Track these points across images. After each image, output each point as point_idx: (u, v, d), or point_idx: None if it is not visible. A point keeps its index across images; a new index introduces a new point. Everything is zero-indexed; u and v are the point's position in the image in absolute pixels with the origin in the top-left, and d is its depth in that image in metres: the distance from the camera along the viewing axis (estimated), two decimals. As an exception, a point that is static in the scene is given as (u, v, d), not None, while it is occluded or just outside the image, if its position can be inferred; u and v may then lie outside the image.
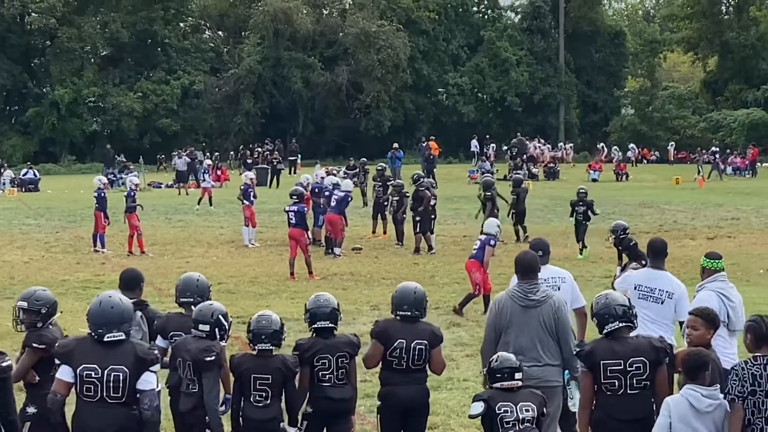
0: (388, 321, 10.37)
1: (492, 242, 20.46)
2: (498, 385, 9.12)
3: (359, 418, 12.31)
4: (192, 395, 9.56)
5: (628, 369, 9.09)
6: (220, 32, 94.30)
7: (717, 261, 11.14)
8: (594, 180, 61.67)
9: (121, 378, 8.22)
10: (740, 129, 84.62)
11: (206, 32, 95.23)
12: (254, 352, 9.64)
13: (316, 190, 30.47)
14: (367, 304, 20.71)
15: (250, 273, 25.61)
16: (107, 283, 23.79)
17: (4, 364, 8.68)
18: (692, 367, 8.78)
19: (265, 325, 9.63)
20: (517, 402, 9.01)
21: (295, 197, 25.85)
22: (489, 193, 30.58)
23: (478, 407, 9.03)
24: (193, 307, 10.18)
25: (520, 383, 9.16)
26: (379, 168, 36.20)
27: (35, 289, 10.00)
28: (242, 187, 32.17)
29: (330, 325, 10.03)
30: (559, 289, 11.42)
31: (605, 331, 9.34)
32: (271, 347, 9.61)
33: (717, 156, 67.62)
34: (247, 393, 9.52)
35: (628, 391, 9.10)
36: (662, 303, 11.29)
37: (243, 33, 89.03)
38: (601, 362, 9.17)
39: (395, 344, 10.07)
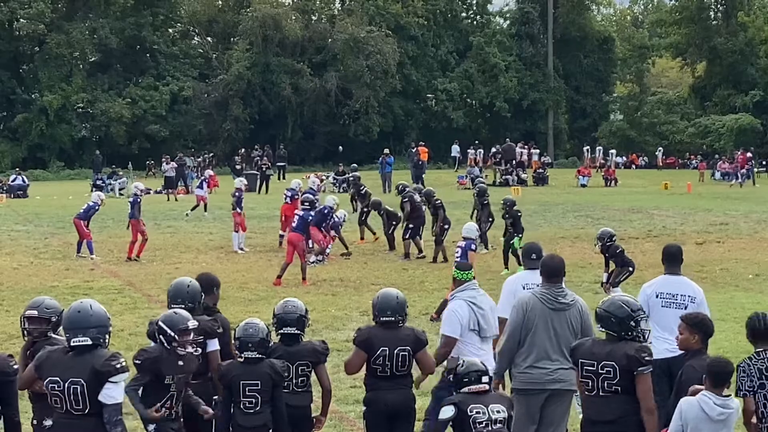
0: (371, 328, 10.35)
1: (473, 246, 20.55)
2: (466, 389, 9.27)
3: (349, 424, 12.31)
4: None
5: (600, 371, 9.21)
6: (209, 38, 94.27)
7: (467, 272, 11.31)
8: (583, 185, 61.77)
9: (79, 391, 8.16)
10: (729, 134, 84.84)
11: (195, 38, 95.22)
12: (241, 360, 9.63)
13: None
14: (356, 309, 20.70)
15: (240, 279, 25.56)
16: (96, 289, 23.79)
17: (15, 366, 8.73)
18: (715, 374, 8.85)
19: (251, 333, 9.62)
20: (487, 404, 9.18)
21: (306, 204, 26.10)
22: (485, 200, 30.51)
23: (449, 411, 9.17)
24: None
25: (487, 386, 9.33)
26: (352, 177, 36.45)
27: (43, 297, 9.96)
28: (236, 194, 31.99)
29: (296, 331, 10.03)
30: None
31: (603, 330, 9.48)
32: (258, 356, 9.59)
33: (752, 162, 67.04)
34: (236, 400, 9.49)
35: (600, 393, 9.23)
36: (686, 308, 11.25)
37: (232, 39, 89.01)
38: (580, 360, 9.39)
39: (378, 352, 10.07)
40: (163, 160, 68.70)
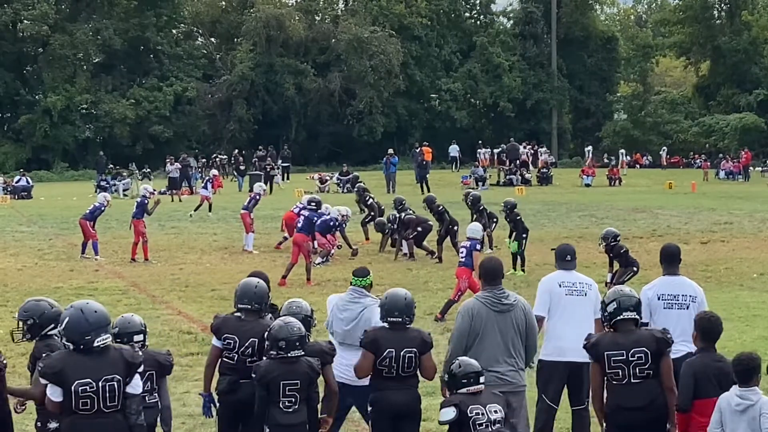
0: (378, 330, 10.31)
1: (478, 247, 20.51)
2: (464, 390, 9.31)
3: (353, 424, 12.29)
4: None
5: (631, 359, 9.48)
6: (212, 39, 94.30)
7: (363, 279, 11.29)
8: (587, 185, 61.74)
9: (116, 387, 8.16)
10: (733, 133, 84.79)
11: (199, 39, 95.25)
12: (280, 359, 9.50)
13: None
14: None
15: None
16: (100, 290, 23.79)
17: (4, 361, 8.77)
18: (740, 371, 9.01)
19: (297, 331, 9.51)
20: (485, 404, 9.25)
21: (313, 204, 26.34)
22: (480, 207, 30.40)
23: (450, 413, 9.21)
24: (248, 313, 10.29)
25: (483, 386, 9.40)
26: (357, 189, 36.68)
27: (29, 299, 9.88)
28: (256, 197, 32.20)
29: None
30: (585, 295, 11.46)
31: (614, 321, 9.70)
32: (302, 353, 9.52)
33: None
34: (275, 399, 9.43)
35: (632, 381, 9.49)
36: (687, 308, 11.25)
37: (235, 39, 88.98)
38: (605, 353, 9.57)
39: (385, 353, 10.06)
40: (167, 160, 68.78)
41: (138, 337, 9.49)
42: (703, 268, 26.53)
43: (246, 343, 10.09)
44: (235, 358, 10.09)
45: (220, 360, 10.32)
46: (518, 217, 27.21)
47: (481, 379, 9.39)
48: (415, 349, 10.10)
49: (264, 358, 9.69)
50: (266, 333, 9.65)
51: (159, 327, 19.02)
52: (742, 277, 25.53)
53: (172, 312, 20.89)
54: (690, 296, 11.37)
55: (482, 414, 9.17)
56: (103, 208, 30.67)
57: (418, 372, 10.29)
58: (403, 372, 10.07)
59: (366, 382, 10.77)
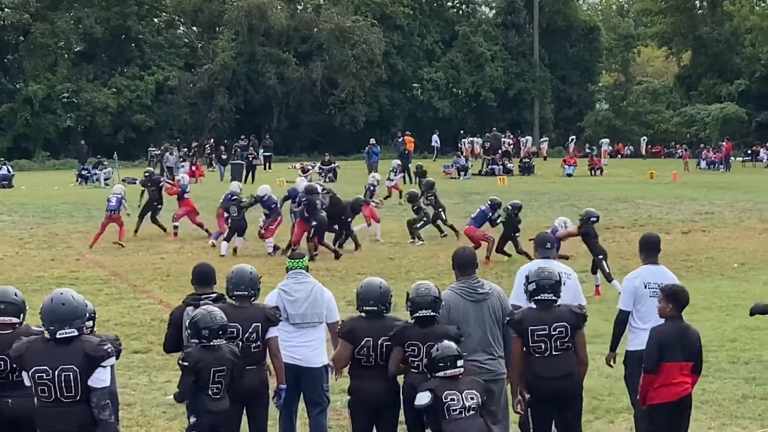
0: (354, 320, 10.35)
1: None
2: (441, 374, 9.45)
3: (335, 413, 12.30)
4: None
5: (552, 333, 10.06)
6: (194, 27, 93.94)
7: (300, 260, 11.49)
8: (569, 175, 61.76)
9: (72, 378, 8.14)
10: (714, 123, 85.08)
11: (180, 28, 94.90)
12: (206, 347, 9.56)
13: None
14: (343, 299, 20.64)
15: (225, 269, 25.46)
16: (81, 279, 23.76)
17: None
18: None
19: (219, 320, 9.59)
20: (461, 390, 9.39)
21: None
22: (430, 194, 30.75)
23: (425, 397, 9.37)
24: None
25: (462, 370, 9.54)
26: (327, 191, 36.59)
27: None
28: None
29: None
30: (564, 284, 11.48)
31: (537, 299, 10.21)
32: (224, 341, 9.64)
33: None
34: (204, 387, 9.47)
35: (553, 353, 10.06)
36: None
37: (217, 28, 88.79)
38: (529, 328, 10.05)
39: (362, 343, 10.07)
40: (151, 149, 68.80)
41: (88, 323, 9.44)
42: (684, 258, 26.64)
43: (250, 329, 10.21)
44: (240, 346, 10.10)
45: None
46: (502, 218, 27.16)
47: (459, 363, 9.49)
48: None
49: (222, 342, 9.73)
50: (189, 321, 9.81)
51: (140, 316, 19.01)
52: (723, 267, 25.64)
53: (154, 301, 20.88)
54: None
55: (457, 400, 9.30)
56: (123, 197, 31.07)
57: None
58: (381, 361, 10.06)
59: (319, 364, 11.06)
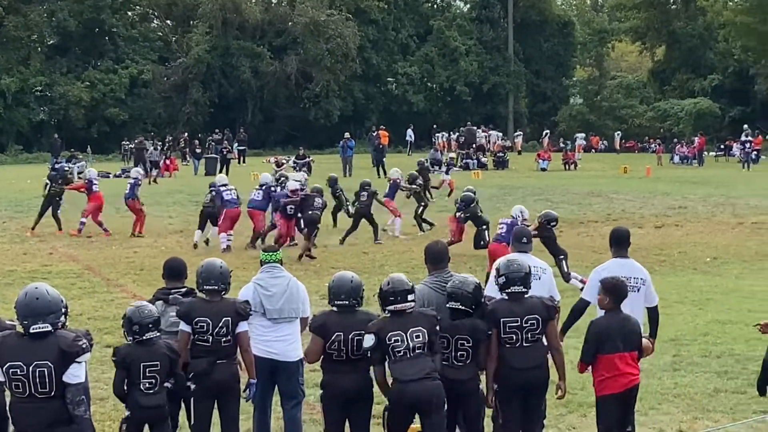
0: (326, 314, 10.36)
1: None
2: (392, 307, 9.71)
3: (308, 408, 12.29)
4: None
5: (524, 325, 10.10)
6: (168, 21, 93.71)
7: (274, 254, 11.52)
8: (543, 169, 61.86)
9: (46, 373, 8.08)
10: (687, 118, 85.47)
11: (154, 21, 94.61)
12: (138, 342, 9.60)
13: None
14: (316, 293, 20.63)
15: (198, 263, 25.41)
16: (55, 273, 23.67)
17: None
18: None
19: (148, 315, 9.64)
20: (407, 328, 9.63)
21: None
22: (335, 191, 30.88)
23: (369, 340, 9.64)
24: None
25: (413, 304, 9.77)
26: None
27: None
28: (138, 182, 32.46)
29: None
30: (539, 279, 11.51)
31: (508, 291, 10.26)
32: (158, 335, 9.68)
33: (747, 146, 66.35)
34: (136, 381, 9.51)
35: (524, 344, 10.11)
36: (638, 291, 11.35)
37: (191, 22, 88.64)
38: (502, 320, 10.08)
39: (333, 337, 10.07)
40: (124, 143, 68.69)
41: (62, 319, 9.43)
42: (657, 252, 26.73)
43: (220, 323, 10.18)
44: (211, 340, 10.14)
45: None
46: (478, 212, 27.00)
47: (410, 297, 9.73)
48: (362, 332, 10.09)
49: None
50: (123, 318, 9.81)
51: (113, 310, 18.94)
52: (696, 261, 25.73)
53: (127, 295, 20.79)
54: (641, 279, 11.47)
55: (401, 341, 9.59)
56: (139, 182, 31.99)
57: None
58: (353, 355, 10.05)
59: (295, 358, 11.06)
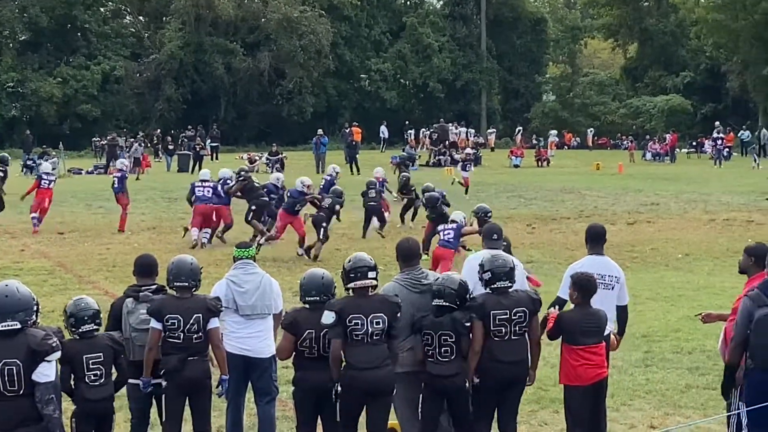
0: (297, 311, 10.36)
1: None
2: (353, 285, 9.81)
3: (281, 404, 12.30)
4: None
5: (513, 318, 10.17)
6: (140, 17, 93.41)
7: (247, 250, 11.55)
8: (516, 166, 62.03)
9: (15, 372, 8.02)
10: (660, 115, 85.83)
11: (127, 17, 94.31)
12: (78, 336, 9.62)
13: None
14: (289, 290, 20.61)
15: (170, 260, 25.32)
16: (26, 270, 23.57)
17: None
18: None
19: (84, 308, 9.65)
20: (368, 313, 9.70)
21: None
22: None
23: (329, 317, 9.68)
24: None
25: (375, 282, 9.88)
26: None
27: None
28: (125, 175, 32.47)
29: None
30: (612, 289, 11.52)
31: (495, 286, 10.28)
32: (96, 327, 9.66)
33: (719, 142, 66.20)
34: (80, 375, 9.51)
35: (512, 337, 10.19)
36: (612, 288, 11.37)
37: (164, 18, 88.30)
38: (491, 312, 10.11)
39: (305, 334, 10.08)
40: (95, 139, 68.51)
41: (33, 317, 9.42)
42: (630, 249, 26.81)
43: (191, 320, 10.15)
44: (182, 337, 10.13)
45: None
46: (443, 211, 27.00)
47: (371, 275, 9.85)
48: None
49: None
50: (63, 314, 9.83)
51: (86, 308, 18.86)
52: (668, 258, 25.82)
53: (99, 292, 20.70)
54: (615, 276, 11.49)
55: (361, 325, 9.67)
56: (126, 174, 32.26)
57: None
58: (324, 352, 10.05)
59: (268, 354, 11.07)
